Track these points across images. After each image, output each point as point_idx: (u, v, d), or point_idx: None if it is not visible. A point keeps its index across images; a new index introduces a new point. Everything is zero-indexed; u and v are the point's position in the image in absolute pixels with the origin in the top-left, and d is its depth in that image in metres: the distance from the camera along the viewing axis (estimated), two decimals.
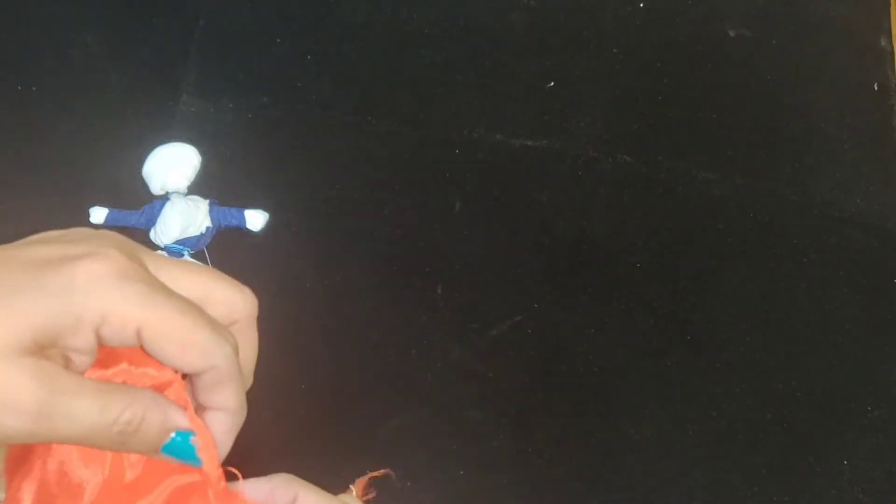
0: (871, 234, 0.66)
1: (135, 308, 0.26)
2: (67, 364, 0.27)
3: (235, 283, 0.31)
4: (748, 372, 0.61)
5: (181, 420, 0.28)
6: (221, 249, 0.63)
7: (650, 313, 0.63)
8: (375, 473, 0.50)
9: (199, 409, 0.29)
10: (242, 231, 0.63)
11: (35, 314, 0.25)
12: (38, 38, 0.69)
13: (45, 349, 0.26)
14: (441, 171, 0.66)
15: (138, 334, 0.26)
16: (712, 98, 0.70)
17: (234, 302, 0.31)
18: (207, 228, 0.62)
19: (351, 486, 0.45)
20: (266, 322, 0.64)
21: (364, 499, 0.48)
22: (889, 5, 0.75)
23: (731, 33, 0.73)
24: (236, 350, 0.29)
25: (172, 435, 0.28)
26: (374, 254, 0.63)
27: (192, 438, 0.29)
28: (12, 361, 0.25)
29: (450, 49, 0.71)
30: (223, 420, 0.30)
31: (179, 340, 0.27)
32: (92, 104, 0.67)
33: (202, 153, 0.65)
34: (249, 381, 0.32)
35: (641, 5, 0.74)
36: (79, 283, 0.26)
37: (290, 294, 0.62)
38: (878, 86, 0.72)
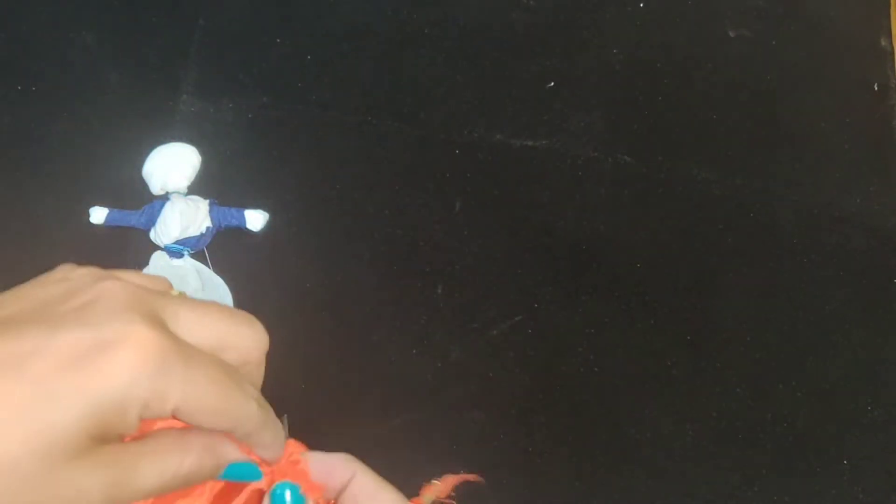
0: (871, 234, 0.66)
1: (173, 391, 0.27)
2: (119, 439, 0.28)
3: (248, 321, 0.33)
4: (748, 372, 0.61)
5: (232, 453, 0.31)
6: (221, 249, 0.63)
7: (650, 313, 0.63)
8: (469, 477, 0.50)
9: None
10: (242, 231, 0.63)
11: (84, 415, 0.26)
12: (38, 38, 0.69)
13: (98, 439, 0.27)
14: (441, 171, 0.66)
15: (175, 411, 0.28)
16: (712, 98, 0.70)
17: (248, 347, 0.32)
18: (207, 228, 0.62)
19: (436, 482, 0.45)
20: (266, 322, 0.64)
21: (445, 498, 0.48)
22: (889, 5, 0.75)
23: (731, 33, 0.73)
24: (260, 403, 0.31)
25: (225, 470, 0.31)
26: (374, 254, 0.63)
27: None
28: (74, 465, 0.26)
29: (450, 49, 0.71)
30: (264, 452, 0.33)
31: (212, 413, 0.29)
32: (92, 104, 0.67)
33: (202, 153, 0.65)
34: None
35: (641, 5, 0.74)
36: (120, 378, 0.26)
37: (290, 294, 0.62)
38: (878, 86, 0.72)
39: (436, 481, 0.45)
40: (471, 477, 0.47)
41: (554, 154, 0.67)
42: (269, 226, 0.64)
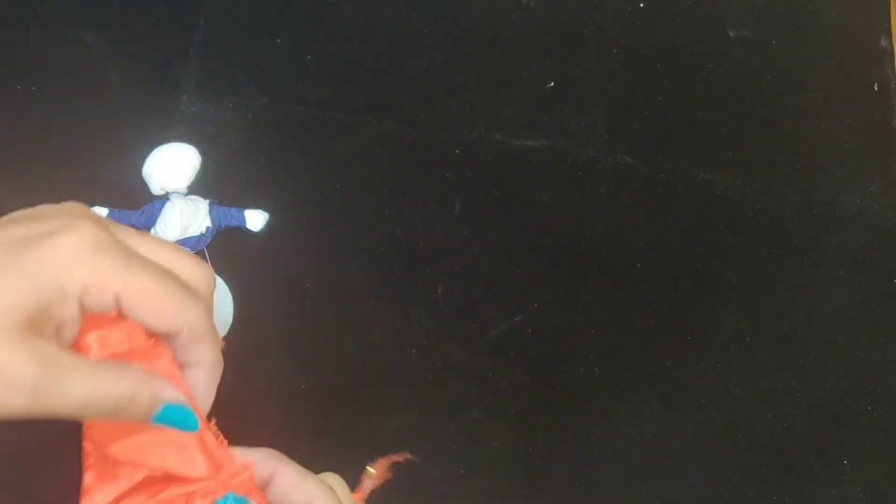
0: (871, 234, 0.66)
1: (113, 277, 0.28)
2: (59, 335, 0.29)
3: (197, 258, 0.33)
4: (748, 372, 0.61)
5: (169, 392, 0.30)
6: (221, 249, 0.63)
7: (650, 313, 0.63)
8: (397, 458, 0.50)
9: (179, 368, 0.32)
10: (242, 231, 0.63)
11: (23, 293, 0.27)
12: (38, 38, 0.69)
13: (38, 325, 0.28)
14: (441, 171, 0.66)
15: (117, 300, 0.29)
16: (712, 98, 0.70)
17: (195, 276, 0.32)
18: (207, 228, 0.62)
19: (369, 468, 0.45)
20: (266, 322, 0.64)
21: (382, 481, 0.48)
22: (889, 5, 0.75)
23: (731, 34, 0.73)
24: (208, 310, 0.31)
25: (162, 406, 0.30)
26: (374, 254, 0.63)
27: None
28: (9, 342, 0.27)
29: (450, 49, 0.71)
30: (201, 375, 0.32)
31: (155, 303, 0.29)
32: (92, 104, 0.67)
33: (202, 153, 0.65)
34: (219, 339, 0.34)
35: (641, 5, 0.74)
36: (59, 258, 0.28)
37: (290, 294, 0.62)
38: (878, 86, 0.72)
39: (370, 468, 0.45)
40: (400, 457, 0.47)
41: (554, 154, 0.67)
42: (269, 226, 0.64)
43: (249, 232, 0.63)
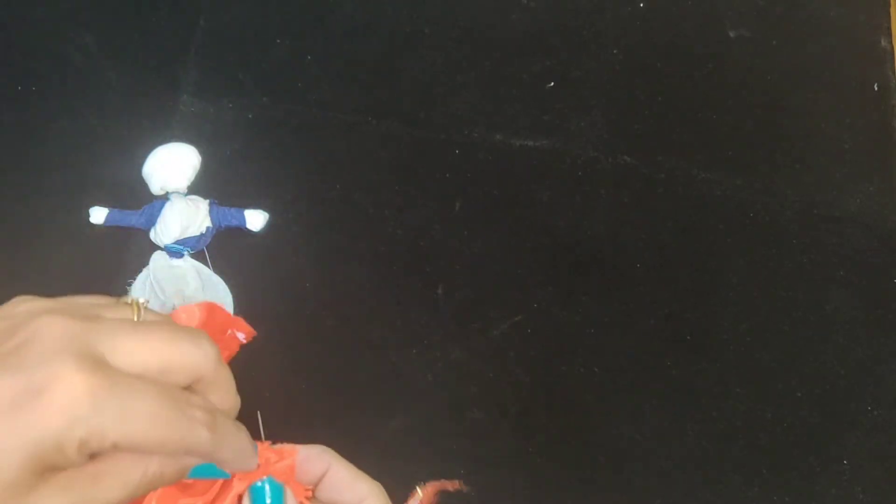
0: (871, 234, 0.66)
1: (110, 430, 0.28)
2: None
3: (191, 339, 0.32)
4: (748, 372, 0.61)
5: (195, 459, 0.32)
6: (221, 249, 0.63)
7: (650, 313, 0.63)
8: (448, 485, 0.50)
9: None
10: (242, 231, 0.63)
11: (25, 459, 0.27)
12: (38, 38, 0.69)
13: (43, 472, 0.28)
14: (441, 171, 0.66)
15: (115, 446, 0.29)
16: (712, 98, 0.70)
17: (194, 364, 0.32)
18: (207, 228, 0.62)
19: (418, 489, 0.45)
20: (266, 322, 0.64)
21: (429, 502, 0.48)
22: (889, 5, 0.75)
23: (731, 34, 0.73)
24: (211, 426, 0.31)
25: (191, 469, 0.32)
26: (374, 254, 0.63)
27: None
28: (32, 498, 0.28)
29: (450, 49, 0.71)
30: (231, 465, 0.33)
31: (156, 445, 0.29)
32: (92, 104, 0.67)
33: (202, 153, 0.65)
34: (234, 412, 0.34)
35: (641, 5, 0.74)
36: (54, 424, 0.27)
37: (290, 294, 0.62)
38: (878, 86, 0.72)
39: (419, 488, 0.46)
40: (451, 485, 0.48)
41: (554, 154, 0.67)
42: (269, 226, 0.64)
43: (249, 232, 0.63)
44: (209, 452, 0.31)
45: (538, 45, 0.72)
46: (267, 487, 0.33)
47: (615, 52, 0.72)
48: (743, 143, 0.69)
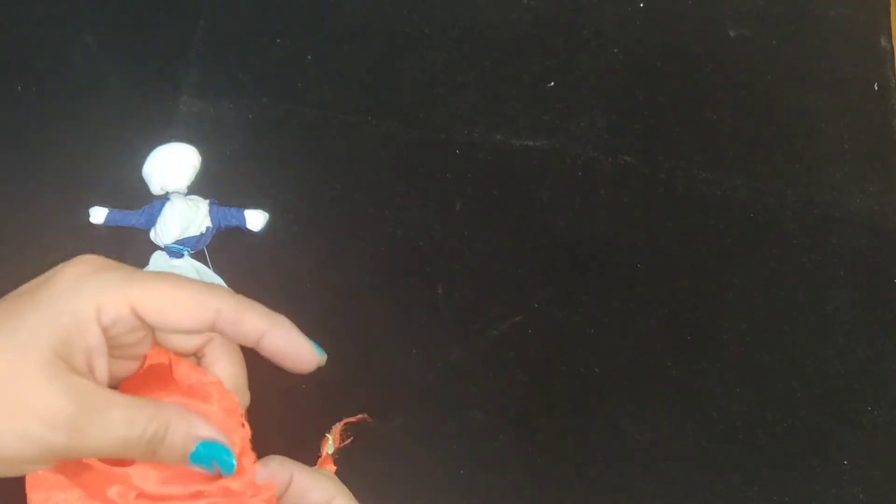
0: (871, 234, 0.66)
1: (122, 288, 0.28)
2: (91, 367, 0.29)
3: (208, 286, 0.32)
4: (748, 372, 0.61)
5: (205, 430, 0.30)
6: (221, 249, 0.63)
7: (650, 313, 0.63)
8: (351, 419, 0.50)
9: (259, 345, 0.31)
10: (242, 231, 0.63)
11: (42, 328, 0.27)
12: (38, 38, 0.69)
13: (67, 358, 0.28)
14: (441, 171, 0.66)
15: (134, 311, 0.29)
16: (712, 98, 0.70)
17: (210, 288, 0.31)
18: (207, 228, 0.62)
19: (328, 435, 0.45)
20: None
21: (342, 445, 0.48)
22: (889, 5, 0.75)
23: (731, 33, 0.73)
24: (231, 292, 0.30)
25: (198, 444, 0.30)
26: (374, 254, 0.63)
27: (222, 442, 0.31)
28: (44, 380, 0.27)
29: (450, 49, 0.71)
30: (276, 337, 0.31)
31: (172, 301, 0.29)
32: (92, 104, 0.67)
33: (202, 153, 0.65)
34: (246, 398, 0.33)
35: (641, 5, 0.74)
36: (66, 287, 0.28)
37: (290, 294, 0.62)
38: (878, 86, 0.72)
39: (327, 434, 0.46)
40: (355, 418, 0.48)
41: (554, 154, 0.67)
42: (269, 226, 0.64)
43: (249, 232, 0.63)
44: (237, 313, 0.30)
45: (538, 45, 0.72)
46: None
47: (615, 52, 0.72)
48: (743, 143, 0.69)
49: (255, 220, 0.63)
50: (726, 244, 0.65)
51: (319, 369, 0.62)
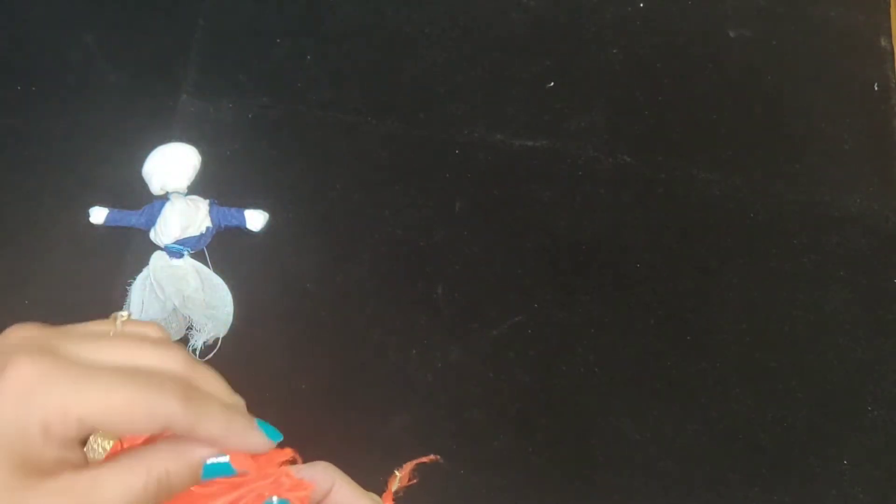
0: (871, 234, 0.66)
1: (70, 404, 0.27)
2: (62, 461, 0.28)
3: (157, 343, 0.31)
4: (748, 372, 0.61)
5: (203, 451, 0.30)
6: (221, 249, 0.63)
7: (650, 313, 0.63)
8: (424, 459, 0.50)
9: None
10: (242, 231, 0.63)
11: None
12: (38, 38, 0.69)
13: (36, 466, 0.27)
14: (441, 171, 0.66)
15: (81, 422, 0.27)
16: (712, 98, 0.70)
17: (163, 358, 0.30)
18: (207, 228, 0.62)
19: (396, 472, 0.45)
20: (266, 322, 0.64)
21: (408, 484, 0.48)
22: (889, 5, 0.75)
23: (731, 34, 0.73)
24: (184, 394, 0.29)
25: (206, 464, 0.30)
26: (374, 254, 0.63)
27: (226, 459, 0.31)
28: (25, 499, 0.26)
29: (450, 49, 0.71)
30: (236, 443, 0.31)
31: (121, 415, 0.28)
32: (92, 104, 0.67)
33: (202, 153, 0.65)
34: (240, 402, 0.33)
35: (641, 5, 0.74)
36: (7, 409, 0.27)
37: (290, 294, 0.62)
38: (878, 86, 0.72)
39: (397, 472, 0.46)
40: (427, 459, 0.48)
41: (554, 154, 0.67)
42: (269, 226, 0.64)
43: (249, 232, 0.63)
44: (190, 425, 0.29)
45: (538, 45, 0.72)
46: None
47: (615, 52, 0.72)
48: (743, 143, 0.69)
49: (255, 220, 0.63)
50: (726, 244, 0.65)
51: (320, 369, 0.63)
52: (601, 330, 0.62)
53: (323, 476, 0.34)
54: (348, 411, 0.59)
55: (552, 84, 0.70)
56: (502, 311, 0.62)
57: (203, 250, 0.62)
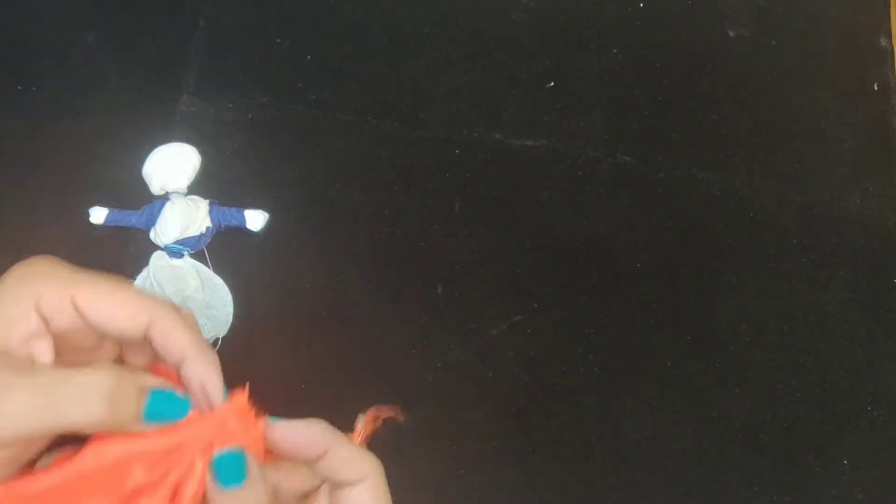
0: (871, 234, 0.66)
1: (62, 283, 0.30)
2: (32, 354, 0.30)
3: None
4: (748, 372, 0.61)
5: (151, 380, 0.30)
6: (221, 249, 0.63)
7: (650, 313, 0.63)
8: (383, 408, 0.50)
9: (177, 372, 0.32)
10: (242, 231, 0.63)
11: None
12: (38, 38, 0.69)
13: (6, 346, 0.28)
14: (441, 171, 0.66)
15: (75, 305, 0.29)
16: (712, 98, 0.70)
17: (150, 308, 0.32)
18: (207, 228, 0.62)
19: (361, 415, 0.45)
20: (266, 322, 0.64)
21: (373, 430, 0.48)
22: (889, 5, 0.75)
23: (731, 33, 0.73)
24: (174, 307, 0.31)
25: (148, 399, 0.30)
26: (374, 254, 0.63)
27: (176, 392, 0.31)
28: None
29: (450, 49, 0.71)
30: (193, 365, 0.32)
31: (112, 300, 0.30)
32: (92, 104, 0.67)
33: (202, 153, 0.65)
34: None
35: (641, 5, 0.74)
36: (10, 282, 0.29)
37: (290, 294, 0.62)
38: (878, 86, 0.72)
39: (361, 415, 0.46)
40: (387, 411, 0.48)
41: (554, 154, 0.67)
42: (269, 226, 0.64)
43: (249, 232, 0.63)
44: (168, 327, 0.31)
45: (538, 44, 0.72)
46: (229, 460, 0.32)
47: (615, 52, 0.72)
48: (743, 143, 0.69)
49: (255, 220, 0.63)
50: (726, 244, 0.65)
51: (320, 369, 0.63)
52: (601, 330, 0.62)
53: (321, 438, 0.34)
54: (349, 411, 0.59)
55: (552, 84, 0.70)
56: (502, 311, 0.62)
57: (203, 250, 0.62)
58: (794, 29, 0.74)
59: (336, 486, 0.34)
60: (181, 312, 0.32)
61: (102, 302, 0.30)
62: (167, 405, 0.31)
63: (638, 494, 0.57)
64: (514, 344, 0.61)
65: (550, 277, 0.63)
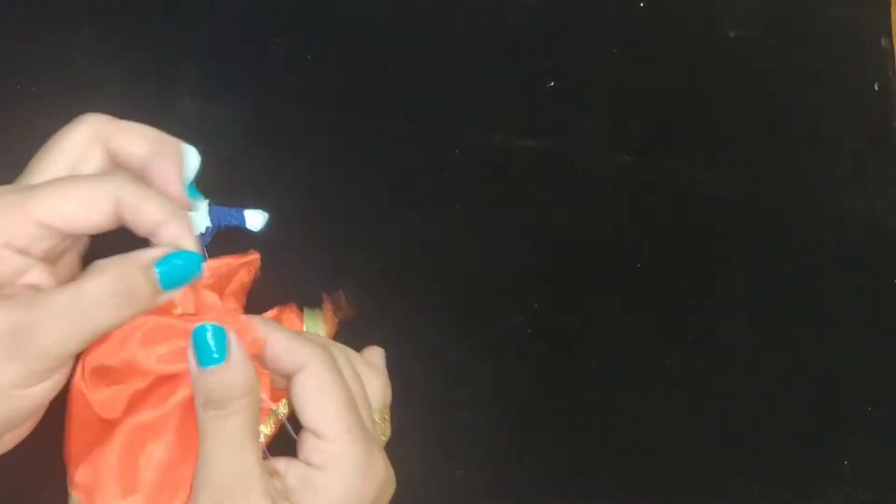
0: (871, 234, 0.66)
1: (21, 209, 0.29)
2: (24, 287, 0.30)
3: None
4: (748, 372, 0.61)
5: (151, 252, 0.32)
6: (221, 249, 0.62)
7: (650, 313, 0.63)
8: (338, 294, 0.50)
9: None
10: (242, 231, 0.63)
11: None
12: (38, 38, 0.69)
13: None
14: (441, 171, 0.66)
15: (40, 224, 0.30)
16: (712, 98, 0.70)
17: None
18: (207, 228, 0.62)
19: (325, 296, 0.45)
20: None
21: (335, 318, 0.48)
22: (889, 5, 0.75)
23: (732, 34, 0.73)
24: (136, 180, 0.32)
25: (156, 269, 0.31)
26: (374, 254, 0.63)
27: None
28: None
29: (450, 49, 0.71)
30: (168, 230, 0.33)
31: (73, 201, 0.30)
32: (92, 104, 0.67)
33: (202, 153, 0.65)
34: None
35: (641, 5, 0.74)
36: None
37: (291, 294, 0.62)
38: (878, 86, 0.72)
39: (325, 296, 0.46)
40: (339, 295, 0.48)
41: (554, 154, 0.67)
42: (269, 226, 0.64)
43: (249, 232, 0.63)
44: (136, 201, 0.31)
45: (538, 45, 0.72)
46: (209, 332, 0.32)
47: (615, 52, 0.72)
48: (743, 143, 0.69)
49: (255, 219, 0.63)
50: (726, 244, 0.65)
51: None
52: (601, 330, 0.62)
53: (301, 352, 0.33)
54: None
55: (552, 84, 0.70)
56: (502, 312, 0.62)
57: (203, 250, 0.62)
58: (794, 29, 0.74)
59: (285, 377, 0.34)
60: (140, 184, 0.31)
61: (65, 209, 0.29)
62: (176, 266, 0.31)
63: (638, 494, 0.57)
64: (515, 344, 0.61)
65: (550, 277, 0.63)
